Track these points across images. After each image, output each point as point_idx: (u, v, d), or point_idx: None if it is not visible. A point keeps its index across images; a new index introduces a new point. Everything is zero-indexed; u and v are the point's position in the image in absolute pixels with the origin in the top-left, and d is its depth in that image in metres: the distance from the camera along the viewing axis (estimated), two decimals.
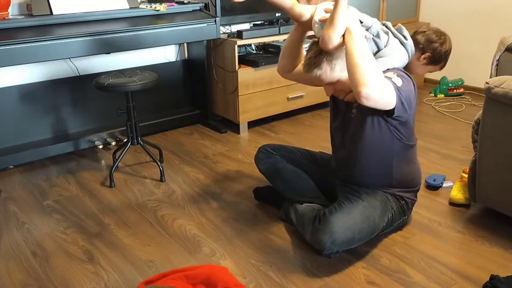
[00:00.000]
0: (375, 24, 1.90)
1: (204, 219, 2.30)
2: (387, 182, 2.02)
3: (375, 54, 1.94)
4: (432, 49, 2.10)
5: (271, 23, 3.52)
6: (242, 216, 2.32)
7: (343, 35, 1.69)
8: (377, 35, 1.92)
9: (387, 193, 2.03)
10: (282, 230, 2.19)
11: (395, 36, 1.99)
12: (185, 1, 3.23)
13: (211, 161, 2.96)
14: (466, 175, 2.35)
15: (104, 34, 2.70)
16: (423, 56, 2.10)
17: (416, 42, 2.07)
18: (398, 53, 1.96)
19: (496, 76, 2.24)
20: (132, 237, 2.17)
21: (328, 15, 1.74)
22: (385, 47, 1.96)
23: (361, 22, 1.82)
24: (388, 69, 1.91)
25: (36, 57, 2.54)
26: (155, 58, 3.46)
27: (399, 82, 1.80)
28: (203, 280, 1.19)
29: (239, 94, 3.26)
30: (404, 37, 2.00)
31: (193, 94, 3.63)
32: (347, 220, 1.88)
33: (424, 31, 2.12)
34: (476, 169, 2.13)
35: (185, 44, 3.55)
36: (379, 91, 1.66)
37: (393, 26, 2.04)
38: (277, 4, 1.84)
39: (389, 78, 1.79)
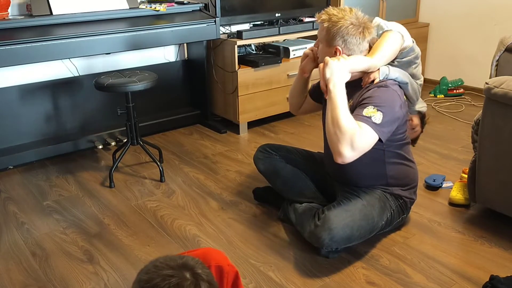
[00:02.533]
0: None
1: (204, 219, 2.30)
2: (383, 181, 2.02)
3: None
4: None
5: (271, 23, 3.52)
6: (242, 216, 2.32)
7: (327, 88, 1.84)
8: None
9: (385, 192, 2.04)
10: (282, 230, 2.19)
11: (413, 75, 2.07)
12: (185, 2, 3.23)
13: (211, 161, 2.96)
14: (465, 175, 2.34)
15: (104, 34, 2.71)
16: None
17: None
18: (404, 74, 2.01)
19: (495, 76, 2.24)
20: (132, 237, 2.17)
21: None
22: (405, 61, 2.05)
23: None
24: (386, 78, 1.93)
25: (36, 57, 2.54)
26: (155, 58, 3.46)
27: (379, 118, 1.79)
28: None
29: (239, 95, 3.26)
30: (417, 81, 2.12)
31: (193, 94, 3.63)
32: (346, 217, 1.88)
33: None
34: (475, 169, 2.13)
35: (185, 45, 3.55)
36: (357, 152, 1.76)
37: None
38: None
39: (368, 117, 1.78)
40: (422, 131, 2.34)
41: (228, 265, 1.27)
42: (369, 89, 1.89)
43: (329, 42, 1.92)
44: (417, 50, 2.07)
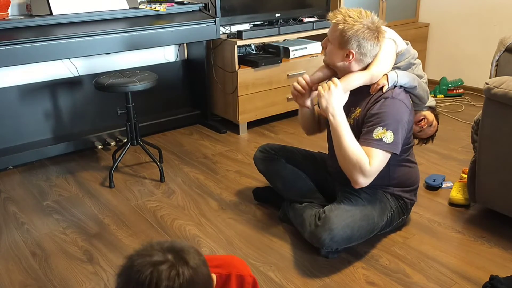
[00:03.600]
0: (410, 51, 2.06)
1: (204, 219, 2.30)
2: (385, 182, 2.02)
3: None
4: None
5: (271, 23, 3.52)
6: (242, 216, 2.32)
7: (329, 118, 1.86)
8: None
9: (386, 193, 2.04)
10: (282, 230, 2.19)
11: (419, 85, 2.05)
12: (185, 2, 3.23)
13: (211, 162, 2.96)
14: (465, 176, 2.34)
15: (104, 34, 2.70)
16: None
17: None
18: (412, 76, 2.00)
19: (495, 76, 2.24)
20: (132, 238, 2.17)
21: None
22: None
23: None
24: (395, 84, 1.93)
25: (36, 57, 2.54)
26: (155, 58, 3.46)
27: (390, 137, 1.83)
28: (218, 265, 1.18)
29: (238, 95, 3.26)
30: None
31: (193, 94, 3.63)
32: (346, 218, 1.88)
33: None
34: (475, 170, 2.13)
35: (185, 45, 3.55)
36: (370, 177, 1.84)
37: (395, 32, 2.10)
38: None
39: (379, 140, 1.82)
40: (438, 123, 2.32)
41: (249, 276, 1.25)
42: (377, 101, 1.89)
43: (342, 45, 1.88)
44: (413, 51, 2.06)
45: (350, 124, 1.89)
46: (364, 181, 1.84)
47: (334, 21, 1.89)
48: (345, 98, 1.87)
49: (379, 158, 1.83)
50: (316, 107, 2.23)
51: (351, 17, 1.86)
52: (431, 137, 2.28)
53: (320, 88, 1.87)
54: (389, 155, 1.86)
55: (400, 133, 1.85)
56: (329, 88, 1.84)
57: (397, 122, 1.85)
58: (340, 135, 1.83)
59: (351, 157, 1.81)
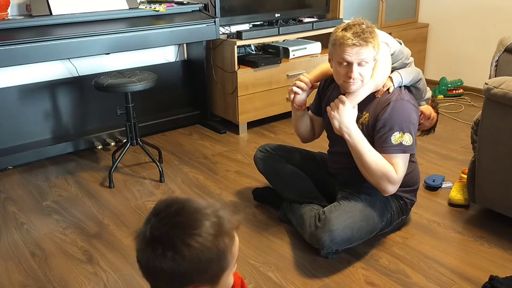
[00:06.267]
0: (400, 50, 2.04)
1: None
2: None
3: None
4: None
5: (271, 23, 3.52)
6: (241, 216, 2.32)
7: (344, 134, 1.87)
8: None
9: None
10: (281, 230, 2.19)
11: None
12: (185, 2, 3.23)
13: (211, 162, 2.96)
14: (465, 176, 2.34)
15: (103, 34, 2.71)
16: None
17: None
18: (415, 71, 2.02)
19: (495, 76, 2.24)
20: (131, 238, 2.16)
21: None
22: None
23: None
24: (400, 85, 1.95)
25: (36, 57, 2.54)
26: (154, 58, 3.46)
27: (408, 139, 1.87)
28: None
29: (238, 95, 3.26)
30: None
31: (193, 94, 3.63)
32: (346, 219, 1.88)
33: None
34: (475, 170, 2.13)
35: (185, 45, 3.55)
36: (398, 183, 1.89)
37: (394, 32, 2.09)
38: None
39: (399, 145, 1.85)
40: (438, 114, 2.33)
41: (238, 278, 1.26)
42: (386, 104, 1.89)
43: (375, 57, 1.85)
44: (406, 51, 2.06)
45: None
46: (393, 189, 1.89)
47: (366, 45, 1.77)
48: (355, 112, 1.88)
49: (403, 163, 1.88)
50: (310, 112, 2.26)
51: (364, 30, 1.78)
52: (433, 128, 2.32)
53: (329, 109, 1.88)
54: (408, 155, 1.90)
55: (414, 133, 1.89)
56: (338, 108, 1.84)
57: (410, 123, 1.88)
58: (361, 152, 1.85)
59: (377, 171, 1.84)
